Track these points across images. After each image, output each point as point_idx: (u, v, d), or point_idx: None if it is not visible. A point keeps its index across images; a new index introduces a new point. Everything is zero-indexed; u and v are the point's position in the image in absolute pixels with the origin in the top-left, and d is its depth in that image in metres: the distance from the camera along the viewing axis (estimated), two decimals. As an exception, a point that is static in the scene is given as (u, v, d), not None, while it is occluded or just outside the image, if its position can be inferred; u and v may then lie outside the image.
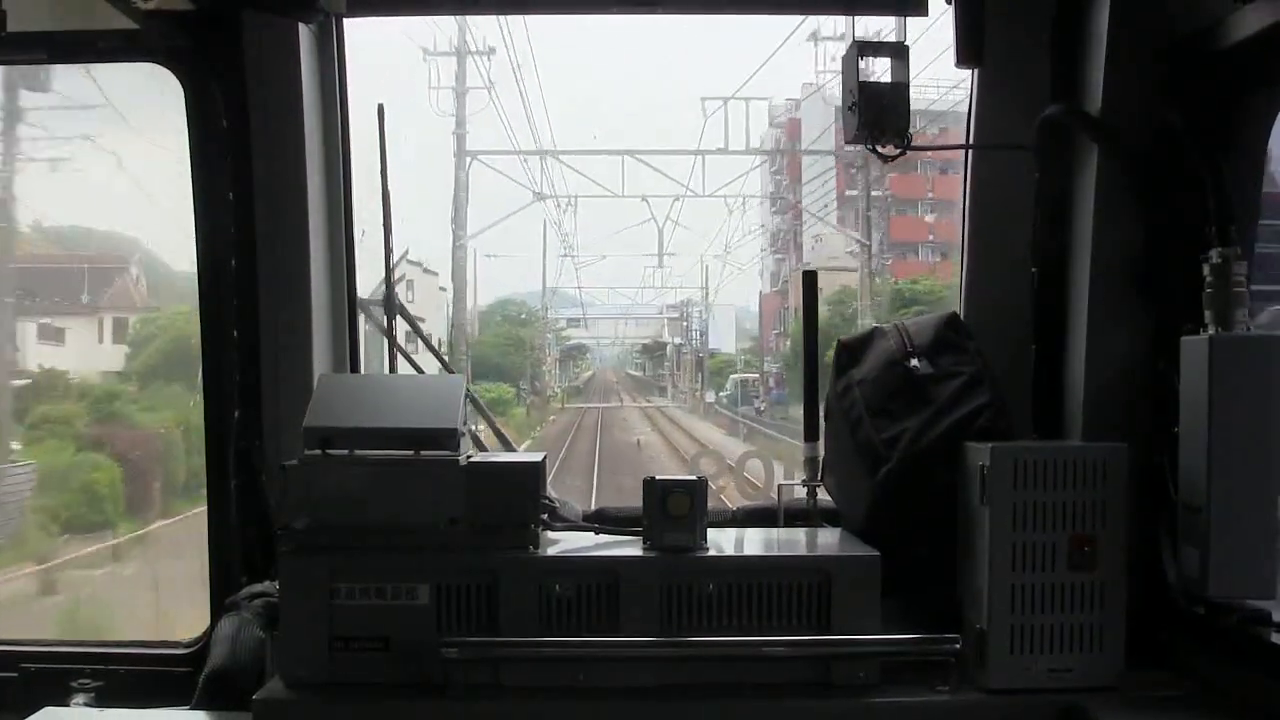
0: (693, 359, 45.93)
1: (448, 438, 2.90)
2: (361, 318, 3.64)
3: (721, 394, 41.83)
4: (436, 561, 2.85)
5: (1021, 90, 3.33)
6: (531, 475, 2.94)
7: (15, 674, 3.40)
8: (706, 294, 43.00)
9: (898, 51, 3.24)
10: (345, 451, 2.90)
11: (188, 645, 3.47)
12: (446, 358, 3.82)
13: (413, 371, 3.63)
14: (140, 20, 3.17)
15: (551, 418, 39.05)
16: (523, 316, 43.76)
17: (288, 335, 3.46)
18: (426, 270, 24.29)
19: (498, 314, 42.31)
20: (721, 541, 3.06)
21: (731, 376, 42.21)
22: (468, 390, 3.06)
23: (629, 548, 2.97)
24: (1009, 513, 2.84)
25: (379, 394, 3.15)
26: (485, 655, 2.81)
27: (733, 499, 3.64)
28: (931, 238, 34.35)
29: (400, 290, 3.61)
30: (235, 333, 3.43)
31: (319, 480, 2.86)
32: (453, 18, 22.44)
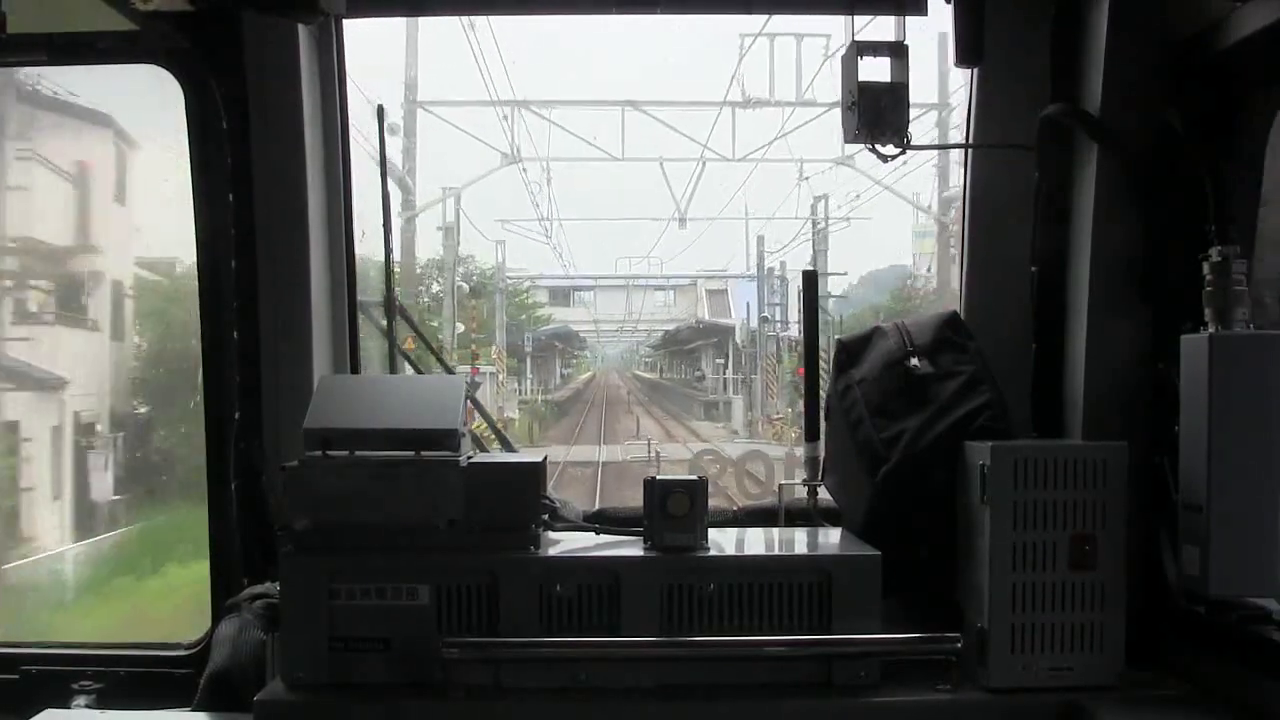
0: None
1: (448, 438, 2.90)
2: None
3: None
4: (437, 562, 2.85)
5: (1021, 89, 3.33)
6: (532, 476, 2.94)
7: (16, 676, 3.40)
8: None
9: (897, 51, 3.25)
10: (345, 452, 2.89)
11: (189, 647, 3.48)
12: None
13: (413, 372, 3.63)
14: (140, 21, 3.17)
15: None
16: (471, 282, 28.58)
17: (288, 336, 3.45)
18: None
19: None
20: (722, 541, 3.06)
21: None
22: (468, 392, 3.06)
23: (630, 548, 2.97)
24: (1009, 512, 2.84)
25: (379, 395, 3.15)
26: (486, 656, 2.81)
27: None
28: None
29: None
30: (235, 333, 3.43)
31: (319, 481, 2.86)
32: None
